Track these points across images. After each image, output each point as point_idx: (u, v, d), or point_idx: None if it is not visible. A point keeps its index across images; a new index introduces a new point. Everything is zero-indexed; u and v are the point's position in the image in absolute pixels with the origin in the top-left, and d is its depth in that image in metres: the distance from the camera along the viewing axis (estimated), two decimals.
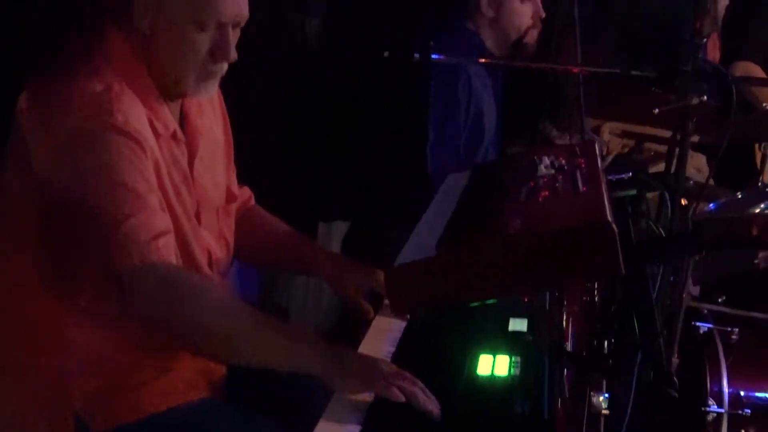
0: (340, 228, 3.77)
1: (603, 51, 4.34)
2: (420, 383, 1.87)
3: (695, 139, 3.55)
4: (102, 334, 2.09)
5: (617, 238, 1.67)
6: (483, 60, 3.43)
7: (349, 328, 3.21)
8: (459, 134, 3.45)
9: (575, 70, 2.62)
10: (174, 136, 2.15)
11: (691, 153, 3.53)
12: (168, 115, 2.15)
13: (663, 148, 4.70)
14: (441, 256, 1.79)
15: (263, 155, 2.53)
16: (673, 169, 2.74)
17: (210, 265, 2.26)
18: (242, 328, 1.93)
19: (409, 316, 2.17)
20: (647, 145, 4.77)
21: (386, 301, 2.38)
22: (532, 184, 2.08)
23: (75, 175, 1.96)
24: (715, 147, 3.10)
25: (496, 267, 1.75)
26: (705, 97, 2.12)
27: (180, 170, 2.17)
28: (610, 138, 4.73)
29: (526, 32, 3.65)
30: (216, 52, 2.10)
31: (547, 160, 2.19)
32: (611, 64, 3.35)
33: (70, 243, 2.03)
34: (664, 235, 1.92)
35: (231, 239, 2.38)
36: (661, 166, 4.11)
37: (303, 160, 3.70)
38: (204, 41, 2.08)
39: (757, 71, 4.45)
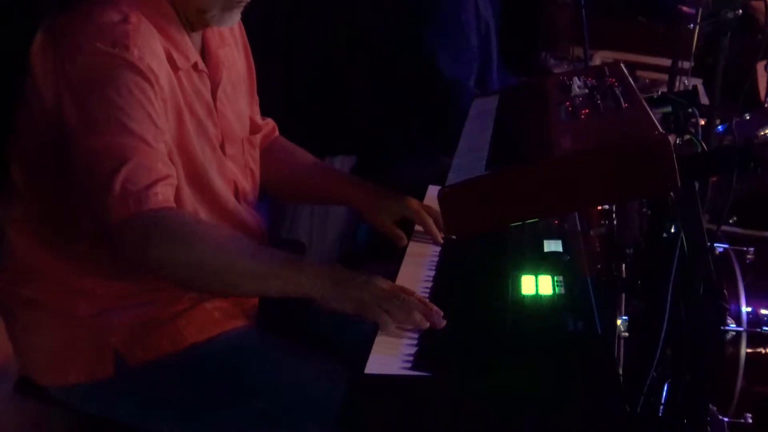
0: (345, 163, 3.76)
1: None
2: (417, 295, 1.89)
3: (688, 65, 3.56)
4: (125, 276, 2.06)
5: (673, 150, 1.67)
6: None
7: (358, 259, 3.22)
8: (471, 48, 3.43)
9: None
10: (195, 67, 2.11)
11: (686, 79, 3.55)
12: (189, 46, 2.10)
13: (657, 76, 4.73)
14: (495, 174, 1.77)
15: (264, 89, 2.50)
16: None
17: (237, 196, 2.24)
18: (235, 260, 1.89)
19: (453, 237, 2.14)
20: (640, 73, 4.79)
21: (417, 227, 2.39)
22: (568, 103, 2.07)
23: (84, 115, 1.89)
24: (711, 70, 3.09)
25: (551, 186, 1.74)
26: (740, 12, 2.10)
27: (203, 102, 2.13)
28: None
29: None
30: None
31: (579, 81, 2.17)
32: None
33: (72, 187, 1.96)
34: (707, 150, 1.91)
35: (257, 170, 2.36)
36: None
37: (305, 95, 3.67)
38: None
39: None
